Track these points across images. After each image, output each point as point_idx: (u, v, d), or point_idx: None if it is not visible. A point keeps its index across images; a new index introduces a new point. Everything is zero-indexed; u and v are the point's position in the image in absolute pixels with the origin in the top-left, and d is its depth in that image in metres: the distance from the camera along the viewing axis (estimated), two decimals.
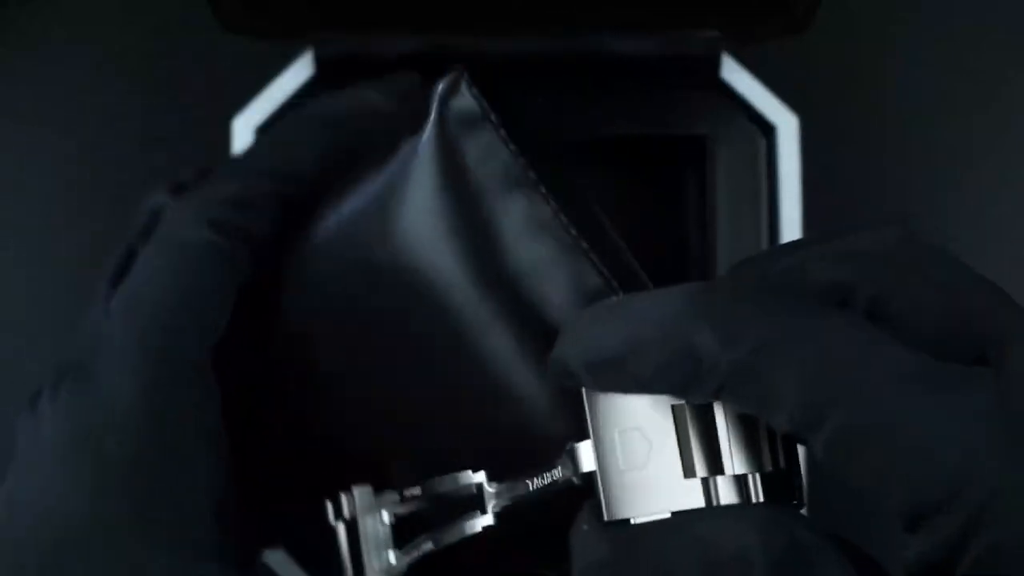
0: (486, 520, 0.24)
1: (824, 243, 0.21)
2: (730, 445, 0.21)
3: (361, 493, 0.25)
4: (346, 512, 0.25)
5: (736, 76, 0.38)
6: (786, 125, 0.37)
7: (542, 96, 0.38)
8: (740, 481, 0.20)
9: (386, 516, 0.25)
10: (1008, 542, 0.17)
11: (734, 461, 0.20)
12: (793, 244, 0.22)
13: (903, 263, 0.20)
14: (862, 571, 0.19)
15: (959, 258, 0.20)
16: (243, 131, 0.37)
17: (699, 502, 0.20)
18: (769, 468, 0.21)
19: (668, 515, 0.20)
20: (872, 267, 0.20)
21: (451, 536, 0.24)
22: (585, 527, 0.21)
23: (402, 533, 0.26)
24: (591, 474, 0.21)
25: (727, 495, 0.20)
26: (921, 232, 0.21)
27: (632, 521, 0.20)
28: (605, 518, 0.21)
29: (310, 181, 0.28)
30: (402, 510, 0.26)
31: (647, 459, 0.20)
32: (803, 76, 0.42)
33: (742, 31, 0.34)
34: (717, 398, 0.20)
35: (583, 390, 0.21)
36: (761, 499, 0.20)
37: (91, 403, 0.25)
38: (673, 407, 0.20)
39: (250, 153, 0.30)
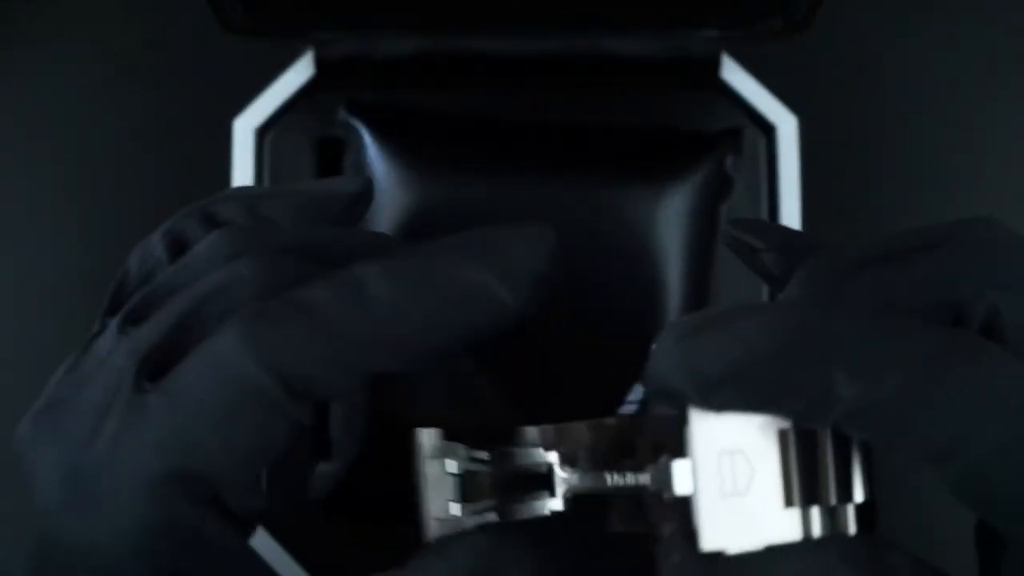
0: (555, 504, 0.23)
1: (913, 249, 0.21)
2: (830, 474, 0.20)
3: (429, 435, 0.24)
4: (427, 449, 0.24)
5: (736, 76, 0.38)
6: (786, 125, 0.37)
7: (542, 96, 0.38)
8: (834, 512, 0.20)
9: (454, 466, 0.24)
10: None
11: (832, 491, 0.20)
12: (881, 245, 0.22)
13: (1006, 270, 0.20)
14: None
15: None
16: (243, 131, 0.37)
17: (797, 534, 0.19)
18: (860, 498, 0.20)
19: (763, 547, 0.19)
20: (980, 280, 0.20)
21: (518, 514, 0.23)
22: (677, 557, 0.20)
23: (466, 487, 0.24)
24: (686, 498, 0.20)
25: (822, 526, 0.19)
26: (1000, 226, 0.21)
27: (728, 552, 0.19)
28: (700, 547, 0.19)
29: None
30: (471, 467, 0.24)
31: (748, 486, 0.19)
32: (803, 76, 0.42)
33: (742, 31, 0.34)
34: (836, 426, 0.19)
35: (687, 408, 0.20)
36: (853, 531, 0.20)
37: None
38: (780, 431, 0.19)
39: None
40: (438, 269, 0.22)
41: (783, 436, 0.19)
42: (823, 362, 0.18)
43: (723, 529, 0.19)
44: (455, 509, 0.24)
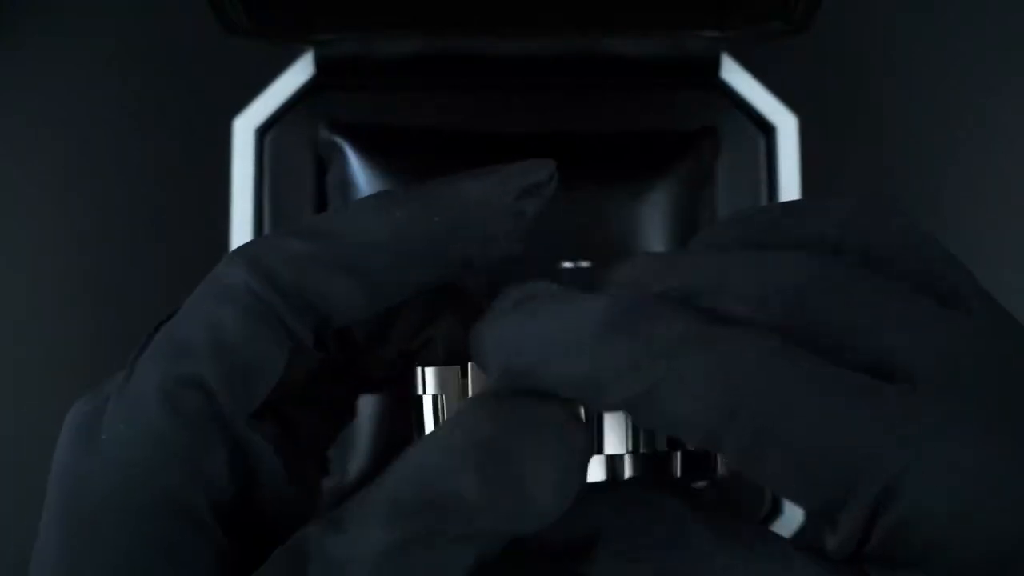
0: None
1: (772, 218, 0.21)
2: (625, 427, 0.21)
3: (443, 371, 0.23)
4: (431, 387, 0.23)
5: (736, 76, 0.38)
6: (786, 125, 0.37)
7: (542, 96, 0.38)
8: (662, 459, 0.21)
9: None
10: (909, 516, 0.17)
11: (625, 441, 0.20)
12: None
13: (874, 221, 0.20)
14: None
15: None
16: (243, 131, 0.37)
17: (600, 476, 0.20)
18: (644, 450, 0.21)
19: None
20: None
21: None
22: None
23: None
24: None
25: (631, 470, 0.20)
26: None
27: None
28: None
29: None
30: None
31: None
32: (803, 76, 0.42)
33: (742, 31, 0.34)
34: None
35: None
36: (678, 474, 0.21)
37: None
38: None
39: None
40: (441, 186, 0.22)
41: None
42: (603, 355, 0.19)
43: None
44: None
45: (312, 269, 0.20)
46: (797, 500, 0.18)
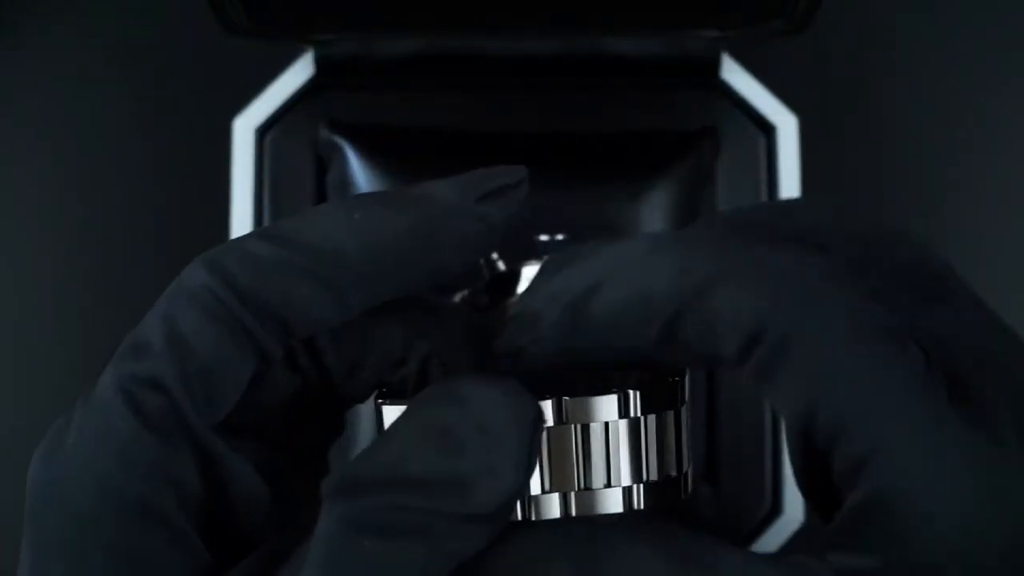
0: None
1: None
2: (576, 462, 0.20)
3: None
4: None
5: (736, 76, 0.38)
6: (786, 125, 0.37)
7: (542, 96, 0.38)
8: (628, 491, 0.20)
9: None
10: (878, 495, 0.17)
11: (584, 477, 0.20)
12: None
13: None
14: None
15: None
16: (243, 131, 0.37)
17: (555, 513, 0.20)
18: (653, 477, 0.20)
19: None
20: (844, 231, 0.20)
21: None
22: None
23: None
24: None
25: (579, 507, 0.20)
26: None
27: None
28: None
29: None
30: None
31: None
32: (803, 76, 0.42)
33: (742, 31, 0.34)
34: (668, 347, 0.19)
35: None
36: (641, 506, 0.20)
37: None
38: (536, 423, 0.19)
39: None
40: (406, 189, 0.21)
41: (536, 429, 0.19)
42: (652, 273, 0.19)
43: None
44: None
45: (273, 273, 0.20)
46: (793, 427, 0.18)
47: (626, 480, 0.20)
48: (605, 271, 0.20)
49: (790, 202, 0.21)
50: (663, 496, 0.20)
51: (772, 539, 0.37)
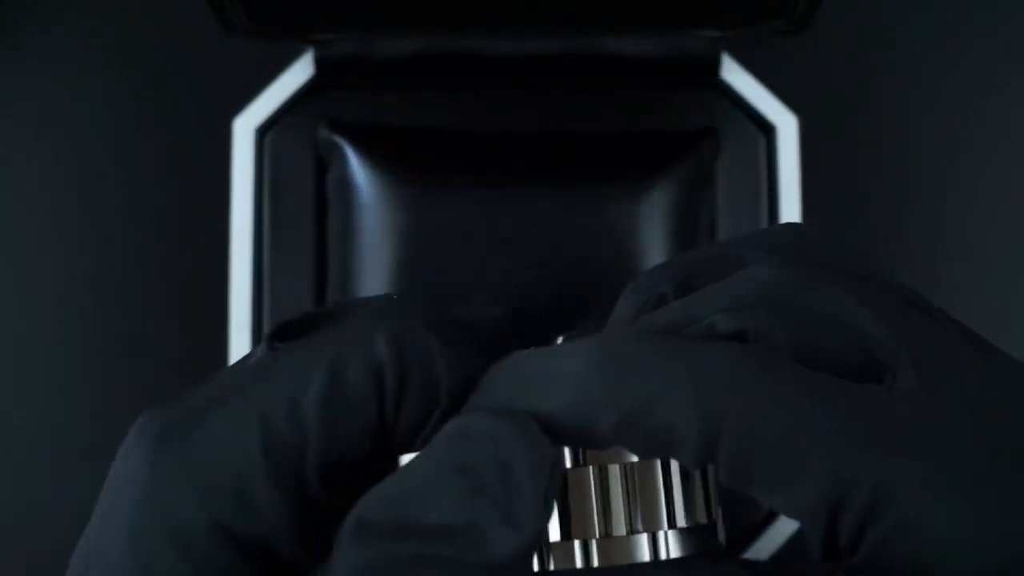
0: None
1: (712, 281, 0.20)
2: (594, 508, 0.19)
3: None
4: None
5: (736, 76, 0.38)
6: (786, 125, 0.37)
7: (542, 96, 0.38)
8: (654, 539, 0.19)
9: None
10: (896, 529, 0.17)
11: (604, 523, 0.19)
12: (678, 273, 0.21)
13: (795, 301, 0.19)
14: None
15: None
16: (243, 131, 0.37)
17: (577, 563, 0.19)
18: (683, 523, 0.19)
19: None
20: (770, 311, 0.19)
21: None
22: None
23: None
24: None
25: (601, 556, 0.19)
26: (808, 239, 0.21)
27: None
28: None
29: None
30: None
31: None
32: (803, 76, 0.42)
33: (742, 31, 0.35)
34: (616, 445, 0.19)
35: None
36: (675, 554, 0.19)
37: None
38: (557, 465, 0.18)
39: None
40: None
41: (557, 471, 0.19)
42: (591, 388, 0.18)
43: None
44: None
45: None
46: (789, 512, 0.18)
47: (650, 525, 0.19)
48: (543, 383, 0.19)
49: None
50: (695, 543, 0.19)
51: (769, 542, 0.37)
